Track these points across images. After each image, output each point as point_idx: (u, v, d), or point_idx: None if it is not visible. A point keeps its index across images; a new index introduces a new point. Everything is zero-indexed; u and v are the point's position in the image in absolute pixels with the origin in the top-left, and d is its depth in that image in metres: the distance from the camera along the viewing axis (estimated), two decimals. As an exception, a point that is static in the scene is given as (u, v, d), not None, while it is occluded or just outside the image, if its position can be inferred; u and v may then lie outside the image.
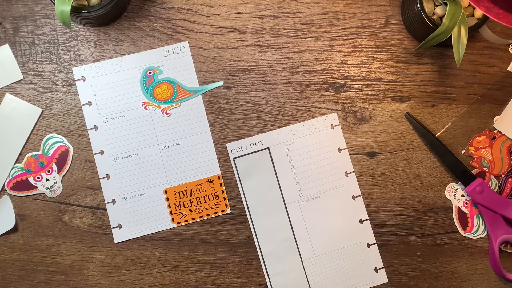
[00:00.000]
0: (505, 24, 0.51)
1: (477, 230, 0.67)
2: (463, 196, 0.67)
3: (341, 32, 0.68)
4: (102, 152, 0.66)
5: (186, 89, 0.67)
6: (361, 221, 0.67)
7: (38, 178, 0.66)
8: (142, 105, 0.67)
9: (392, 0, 0.69)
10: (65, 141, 0.66)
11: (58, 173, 0.66)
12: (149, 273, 0.66)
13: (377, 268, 0.66)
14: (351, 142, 0.67)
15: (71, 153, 0.66)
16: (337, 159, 0.67)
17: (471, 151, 0.68)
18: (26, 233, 0.65)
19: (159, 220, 0.66)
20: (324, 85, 0.68)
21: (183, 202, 0.66)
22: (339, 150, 0.67)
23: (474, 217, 0.67)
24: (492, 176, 0.67)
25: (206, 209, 0.66)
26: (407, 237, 0.67)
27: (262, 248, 0.66)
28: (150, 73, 0.67)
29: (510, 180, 0.67)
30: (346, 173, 0.67)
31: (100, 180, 0.66)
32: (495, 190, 0.67)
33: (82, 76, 0.67)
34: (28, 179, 0.66)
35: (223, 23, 0.68)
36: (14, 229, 0.65)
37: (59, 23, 0.67)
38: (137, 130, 0.67)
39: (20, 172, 0.66)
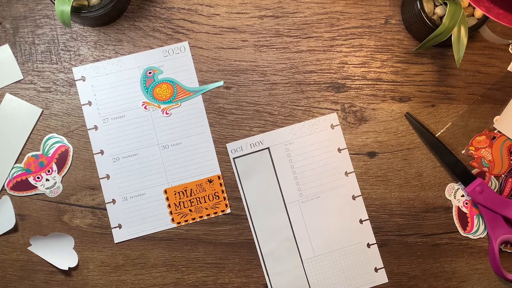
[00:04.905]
0: (505, 24, 0.51)
1: (477, 230, 0.67)
2: (463, 196, 0.67)
3: (341, 32, 0.68)
4: (102, 152, 0.66)
5: (186, 89, 0.67)
6: (361, 221, 0.67)
7: (38, 178, 0.66)
8: (142, 105, 0.67)
9: (392, 0, 0.69)
10: (65, 141, 0.66)
11: (58, 173, 0.66)
12: (149, 273, 0.66)
13: (377, 268, 0.66)
14: (351, 142, 0.67)
15: (71, 153, 0.66)
16: (337, 159, 0.67)
17: (471, 151, 0.68)
18: (26, 233, 0.65)
19: (159, 220, 0.66)
20: (324, 85, 0.68)
21: (183, 202, 0.66)
22: (339, 150, 0.67)
23: (474, 217, 0.67)
24: (492, 176, 0.67)
25: (206, 209, 0.66)
26: (407, 237, 0.67)
27: (262, 248, 0.66)
28: (150, 73, 0.67)
29: (510, 180, 0.67)
30: (346, 173, 0.67)
31: (100, 180, 0.66)
32: (495, 190, 0.67)
33: (82, 76, 0.67)
34: (28, 179, 0.66)
35: (223, 23, 0.68)
36: (14, 229, 0.65)
37: (59, 23, 0.67)
38: (137, 130, 0.67)
39: (20, 172, 0.66)
